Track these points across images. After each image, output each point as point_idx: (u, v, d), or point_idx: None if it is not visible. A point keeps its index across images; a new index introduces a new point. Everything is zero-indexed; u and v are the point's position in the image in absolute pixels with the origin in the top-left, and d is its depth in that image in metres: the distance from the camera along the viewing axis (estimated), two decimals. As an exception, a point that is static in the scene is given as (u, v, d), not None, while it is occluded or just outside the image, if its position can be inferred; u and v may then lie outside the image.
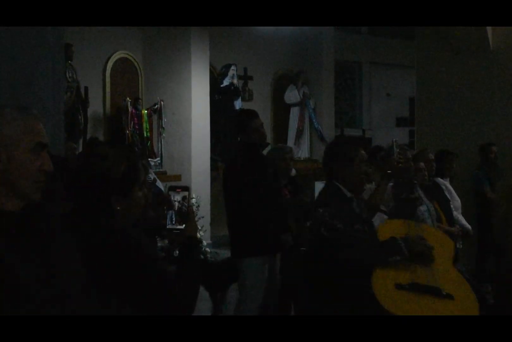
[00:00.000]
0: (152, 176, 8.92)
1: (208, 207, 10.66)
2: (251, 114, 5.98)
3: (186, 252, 3.05)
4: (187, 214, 3.09)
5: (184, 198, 3.10)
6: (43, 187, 2.25)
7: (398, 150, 5.34)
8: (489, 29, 8.53)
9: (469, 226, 6.80)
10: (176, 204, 3.09)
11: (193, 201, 10.18)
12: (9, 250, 2.10)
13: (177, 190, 3.12)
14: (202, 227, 10.19)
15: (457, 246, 6.53)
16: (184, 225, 3.11)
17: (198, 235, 10.14)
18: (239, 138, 6.20)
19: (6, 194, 2.20)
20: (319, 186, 12.15)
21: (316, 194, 12.07)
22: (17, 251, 2.13)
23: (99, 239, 2.83)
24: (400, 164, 5.22)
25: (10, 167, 2.17)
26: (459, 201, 6.98)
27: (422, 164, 6.25)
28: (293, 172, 7.02)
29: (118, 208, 2.89)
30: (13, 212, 2.20)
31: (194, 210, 3.34)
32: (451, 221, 6.45)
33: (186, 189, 3.16)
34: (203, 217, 10.35)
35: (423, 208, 5.90)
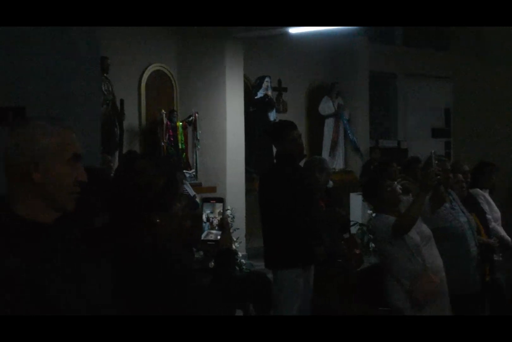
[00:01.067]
0: (190, 191, 8.95)
1: (243, 219, 10.64)
2: (289, 125, 5.96)
3: (221, 264, 3.04)
4: (221, 226, 3.08)
5: (217, 211, 3.10)
6: (76, 198, 2.25)
7: (436, 162, 5.31)
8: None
9: (509, 238, 6.70)
10: (210, 215, 3.09)
11: (228, 212, 10.18)
12: (42, 262, 2.11)
13: (211, 201, 3.12)
14: (237, 239, 10.18)
15: (496, 258, 6.46)
16: (219, 237, 3.10)
17: (233, 247, 10.19)
18: (276, 149, 6.17)
19: (40, 205, 2.20)
20: (354, 197, 12.13)
21: (352, 205, 12.05)
22: (49, 263, 2.13)
23: (138, 253, 2.83)
24: (438, 176, 5.18)
25: (47, 179, 2.18)
26: (499, 212, 6.89)
27: (460, 176, 6.20)
28: (330, 183, 6.98)
29: (158, 220, 2.89)
30: (47, 224, 2.20)
31: (229, 222, 3.33)
32: (489, 232, 6.38)
33: (221, 200, 3.15)
34: (238, 229, 10.33)
35: (463, 219, 5.84)
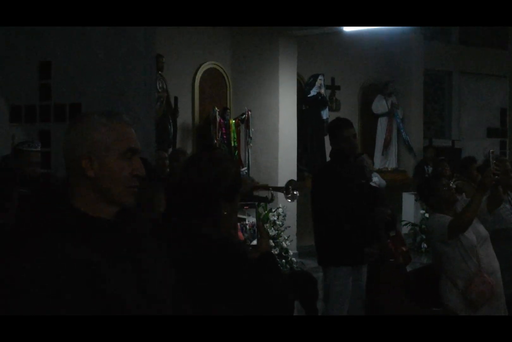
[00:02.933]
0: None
1: (295, 217, 10.64)
2: (344, 123, 5.95)
3: (263, 268, 3.03)
4: (258, 231, 3.09)
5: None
6: (135, 192, 2.26)
7: (495, 161, 5.25)
8: None
9: None
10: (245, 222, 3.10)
11: (280, 210, 10.22)
12: (104, 258, 2.14)
13: (245, 207, 3.12)
14: (288, 237, 10.21)
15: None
16: (255, 242, 3.11)
17: (285, 245, 10.21)
18: (331, 147, 6.18)
19: (99, 201, 2.21)
20: (406, 197, 12.07)
21: (404, 205, 12.00)
22: (112, 258, 2.16)
23: (204, 245, 2.86)
24: (496, 176, 5.13)
25: (103, 174, 2.20)
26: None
27: None
28: (383, 183, 6.96)
29: (225, 212, 2.92)
30: (107, 220, 2.22)
31: (264, 226, 3.34)
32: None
33: (253, 205, 3.15)
34: (289, 227, 10.37)
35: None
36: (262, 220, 9.62)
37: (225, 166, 2.97)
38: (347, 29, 10.74)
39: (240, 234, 3.13)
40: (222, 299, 2.80)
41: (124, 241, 2.23)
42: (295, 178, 11.04)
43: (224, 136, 10.53)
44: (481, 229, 5.18)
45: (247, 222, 3.13)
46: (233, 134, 10.66)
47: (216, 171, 2.94)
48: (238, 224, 3.09)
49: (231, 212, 2.94)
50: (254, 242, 3.11)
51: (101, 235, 2.17)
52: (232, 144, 10.62)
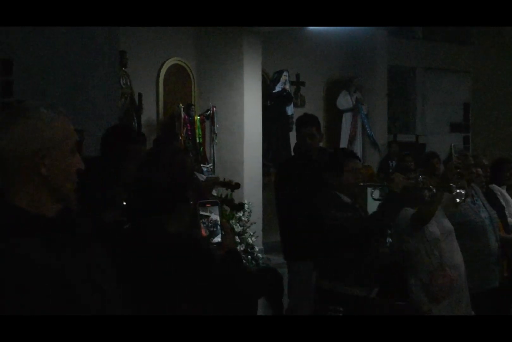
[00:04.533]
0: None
1: (261, 213, 10.64)
2: (302, 122, 5.98)
3: (228, 265, 3.05)
4: (222, 228, 3.10)
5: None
6: (78, 189, 2.23)
7: (456, 155, 5.29)
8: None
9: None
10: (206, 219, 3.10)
11: (245, 206, 10.20)
12: (50, 254, 2.10)
13: (207, 205, 3.12)
14: (254, 233, 10.21)
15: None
16: (219, 239, 3.11)
17: (250, 241, 10.22)
18: (297, 142, 6.18)
19: (45, 198, 2.16)
20: (371, 192, 12.07)
21: (369, 199, 12.00)
22: (57, 255, 2.13)
23: (167, 243, 2.86)
24: (458, 170, 5.17)
25: (54, 171, 2.15)
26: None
27: (480, 170, 6.16)
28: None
29: (186, 210, 2.93)
30: (51, 217, 2.18)
31: (229, 223, 3.35)
32: (507, 228, 6.34)
33: (216, 203, 3.15)
34: (255, 223, 10.36)
35: (484, 215, 5.82)
36: (228, 216, 9.60)
37: (182, 165, 2.97)
38: (311, 26, 10.75)
39: (202, 231, 3.13)
40: (188, 296, 2.80)
41: (66, 238, 2.20)
42: (260, 173, 11.07)
43: (189, 133, 10.51)
44: (446, 222, 5.21)
45: (209, 219, 3.12)
46: (198, 131, 10.65)
47: (174, 169, 2.95)
48: (201, 221, 3.09)
49: (191, 209, 2.94)
50: (217, 239, 3.11)
51: (45, 233, 2.14)
52: (197, 141, 10.61)
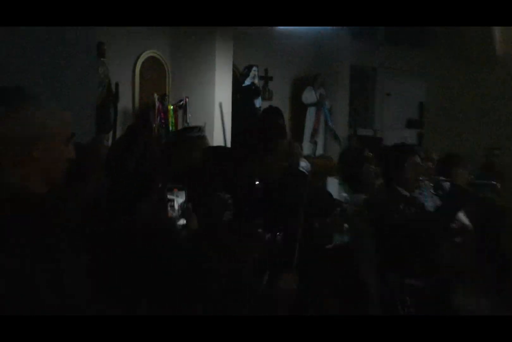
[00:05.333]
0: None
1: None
2: (275, 112, 5.99)
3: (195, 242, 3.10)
4: (187, 211, 3.13)
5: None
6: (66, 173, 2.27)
7: (417, 149, 5.34)
8: (497, 38, 8.50)
9: (468, 223, 6.73)
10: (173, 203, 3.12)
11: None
12: (37, 228, 2.11)
13: (174, 189, 3.13)
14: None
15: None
16: (183, 220, 3.13)
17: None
18: None
19: (35, 178, 2.20)
20: (331, 181, 12.11)
21: (328, 188, 12.03)
22: (43, 228, 2.14)
23: (138, 224, 2.87)
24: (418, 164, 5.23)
25: (45, 156, 2.18)
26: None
27: (430, 164, 6.22)
28: (308, 167, 6.97)
29: (156, 194, 2.96)
30: (40, 194, 2.21)
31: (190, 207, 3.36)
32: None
33: (182, 188, 3.17)
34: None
35: (429, 204, 5.89)
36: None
37: (153, 154, 2.99)
38: (280, 26, 10.77)
39: (170, 213, 3.14)
40: (158, 269, 2.82)
41: (55, 214, 2.22)
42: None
43: (163, 121, 10.48)
44: None
45: (176, 203, 3.14)
46: (171, 119, 10.62)
47: (145, 158, 2.96)
48: (168, 204, 3.10)
49: (160, 194, 2.96)
50: (182, 221, 3.12)
51: (34, 208, 2.16)
52: (170, 129, 10.57)
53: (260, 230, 3.67)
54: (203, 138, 5.13)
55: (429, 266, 4.56)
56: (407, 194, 4.81)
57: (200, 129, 5.16)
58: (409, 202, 4.76)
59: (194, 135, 4.97)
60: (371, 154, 7.44)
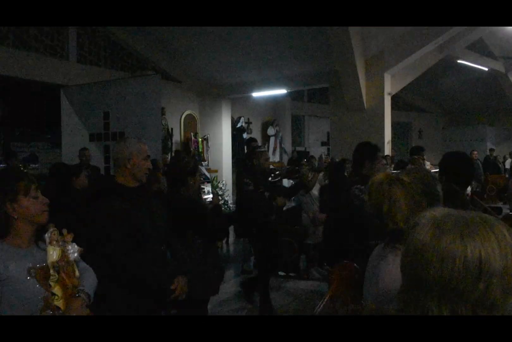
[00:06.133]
0: (205, 172, 8.89)
1: (231, 185, 10.65)
2: (253, 140, 6.02)
3: (215, 212, 3.02)
4: (212, 193, 3.15)
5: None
6: (146, 175, 2.25)
7: (325, 156, 5.42)
8: (364, 96, 8.55)
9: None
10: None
11: (223, 182, 10.20)
12: (133, 209, 2.12)
13: (205, 182, 3.09)
14: (228, 195, 10.21)
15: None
16: (211, 198, 3.09)
17: (226, 198, 10.12)
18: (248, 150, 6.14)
19: (130, 179, 2.21)
20: (284, 180, 12.21)
21: (284, 180, 11.88)
22: (137, 209, 2.14)
23: (184, 201, 2.83)
24: (326, 163, 5.30)
25: (135, 167, 2.19)
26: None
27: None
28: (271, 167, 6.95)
29: (191, 182, 2.89)
30: (134, 188, 2.21)
31: (216, 191, 3.33)
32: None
33: (209, 181, 3.14)
34: (228, 190, 10.36)
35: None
36: (215, 186, 9.61)
37: (189, 160, 2.98)
38: (255, 94, 10.77)
39: (203, 195, 3.12)
40: (194, 227, 2.75)
41: (142, 197, 2.23)
42: (230, 167, 11.05)
43: (196, 147, 10.45)
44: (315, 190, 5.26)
45: (205, 189, 3.13)
46: (200, 146, 10.58)
47: (184, 162, 2.96)
48: (202, 190, 3.08)
49: (194, 183, 2.93)
50: (210, 199, 3.10)
51: (132, 195, 2.17)
52: (200, 151, 10.55)
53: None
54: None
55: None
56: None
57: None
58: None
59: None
60: (305, 160, 7.54)
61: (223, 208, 9.39)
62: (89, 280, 1.70)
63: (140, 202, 2.18)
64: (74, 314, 1.51)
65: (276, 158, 13.39)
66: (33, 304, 1.49)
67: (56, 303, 1.50)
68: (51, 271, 1.52)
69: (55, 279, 1.51)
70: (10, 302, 1.45)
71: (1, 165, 6.44)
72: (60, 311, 1.51)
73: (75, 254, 1.58)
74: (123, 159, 2.18)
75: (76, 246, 1.59)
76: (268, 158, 6.46)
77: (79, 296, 1.59)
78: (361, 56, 8.04)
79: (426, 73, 10.08)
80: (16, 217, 1.55)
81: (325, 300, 1.93)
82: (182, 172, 2.93)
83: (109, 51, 8.86)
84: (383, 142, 8.55)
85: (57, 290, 1.49)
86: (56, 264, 1.52)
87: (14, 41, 7.33)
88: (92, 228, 1.99)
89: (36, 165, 9.00)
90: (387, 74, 8.49)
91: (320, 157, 5.60)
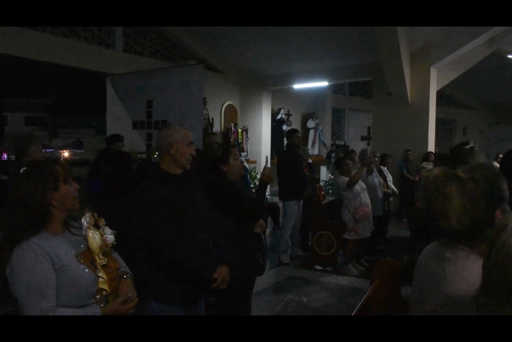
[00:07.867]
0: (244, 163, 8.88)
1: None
2: (294, 131, 5.93)
3: (261, 188, 2.97)
4: (264, 167, 3.08)
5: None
6: (190, 162, 2.20)
7: (370, 152, 5.30)
8: (408, 90, 8.25)
9: (395, 189, 6.62)
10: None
11: (258, 175, 10.15)
12: (176, 195, 2.09)
13: (249, 160, 3.02)
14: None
15: (390, 199, 6.39)
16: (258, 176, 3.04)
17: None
18: (286, 142, 6.10)
19: (173, 166, 2.16)
20: (322, 168, 12.05)
21: (321, 172, 11.73)
22: (180, 195, 2.11)
23: (223, 185, 2.77)
24: (370, 159, 5.18)
25: (178, 153, 2.15)
26: (391, 177, 6.79)
27: (376, 159, 6.15)
28: (310, 160, 6.91)
29: (224, 169, 2.85)
30: (177, 175, 2.18)
31: (266, 167, 3.22)
32: (387, 187, 6.30)
33: (254, 163, 3.05)
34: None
35: (377, 180, 5.79)
36: (253, 177, 9.55)
37: (222, 148, 2.94)
38: (296, 86, 10.62)
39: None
40: (231, 210, 2.68)
41: (185, 186, 2.20)
42: (269, 156, 11.00)
43: (236, 138, 10.45)
44: (362, 184, 5.18)
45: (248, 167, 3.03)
46: (240, 136, 10.57)
47: (218, 150, 2.92)
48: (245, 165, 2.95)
49: (231, 168, 2.85)
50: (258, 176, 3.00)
51: (175, 182, 2.14)
52: (240, 141, 10.54)
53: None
54: None
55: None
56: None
57: None
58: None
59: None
60: (342, 153, 7.41)
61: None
62: (122, 262, 1.70)
63: (184, 189, 2.14)
64: (129, 295, 1.55)
65: (315, 151, 13.22)
66: (89, 289, 1.49)
67: (101, 286, 1.51)
68: (100, 255, 1.52)
69: (104, 262, 1.52)
70: (67, 290, 1.44)
71: (48, 150, 6.66)
72: (105, 293, 1.52)
73: (111, 237, 1.56)
74: (166, 146, 2.14)
75: (109, 229, 1.59)
76: (308, 152, 6.44)
77: (127, 277, 1.61)
78: (406, 49, 7.69)
79: (471, 68, 9.56)
80: (55, 205, 1.51)
81: (364, 299, 1.82)
82: (210, 161, 2.88)
83: (154, 41, 8.94)
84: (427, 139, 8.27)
85: (102, 273, 1.51)
86: (105, 247, 1.53)
87: (63, 30, 7.52)
88: (134, 212, 1.97)
89: (82, 151, 9.31)
90: (433, 68, 8.11)
91: (364, 152, 5.42)
